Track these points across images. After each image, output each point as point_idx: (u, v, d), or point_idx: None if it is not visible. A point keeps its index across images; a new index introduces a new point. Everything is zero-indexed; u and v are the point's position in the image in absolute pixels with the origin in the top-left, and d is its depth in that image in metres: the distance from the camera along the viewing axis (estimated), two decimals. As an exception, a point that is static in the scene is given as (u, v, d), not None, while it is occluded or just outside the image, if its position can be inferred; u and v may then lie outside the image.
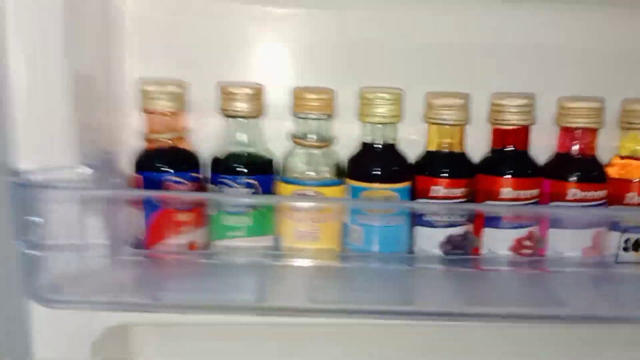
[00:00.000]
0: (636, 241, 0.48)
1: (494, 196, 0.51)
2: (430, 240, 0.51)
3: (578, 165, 0.52)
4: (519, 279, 0.47)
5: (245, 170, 0.50)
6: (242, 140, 0.51)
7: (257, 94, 0.50)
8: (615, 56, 0.55)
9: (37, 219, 0.38)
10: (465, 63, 0.56)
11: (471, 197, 0.52)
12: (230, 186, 0.49)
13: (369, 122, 0.51)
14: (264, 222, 0.50)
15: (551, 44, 0.56)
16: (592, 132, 0.52)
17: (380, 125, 0.51)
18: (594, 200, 0.51)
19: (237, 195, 0.47)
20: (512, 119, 0.51)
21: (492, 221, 0.51)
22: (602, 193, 0.51)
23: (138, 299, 0.40)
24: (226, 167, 0.50)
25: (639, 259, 0.49)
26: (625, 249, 0.49)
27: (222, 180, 0.50)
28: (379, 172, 0.51)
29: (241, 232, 0.49)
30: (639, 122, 0.52)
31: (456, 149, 0.52)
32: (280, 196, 0.50)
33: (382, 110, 0.50)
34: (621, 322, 0.45)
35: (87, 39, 0.49)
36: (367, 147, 0.52)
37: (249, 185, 0.50)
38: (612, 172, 0.53)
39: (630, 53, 0.55)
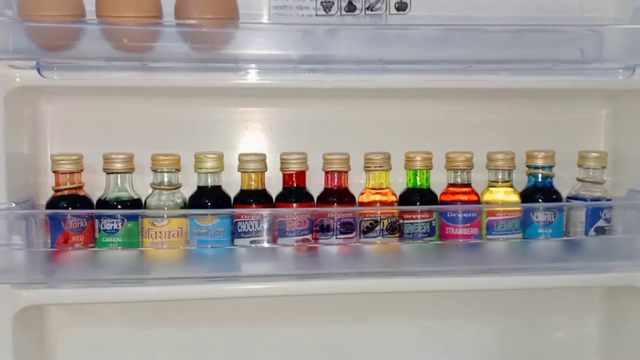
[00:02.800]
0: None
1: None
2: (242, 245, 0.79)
3: (336, 195, 0.82)
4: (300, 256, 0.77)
5: (119, 207, 0.78)
6: (117, 187, 0.79)
7: (128, 157, 0.79)
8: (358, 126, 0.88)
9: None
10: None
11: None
12: (108, 215, 0.77)
13: (201, 172, 0.81)
14: (130, 239, 0.77)
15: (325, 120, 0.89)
16: (344, 173, 0.83)
17: (209, 174, 0.81)
18: (347, 213, 0.80)
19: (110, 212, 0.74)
20: (291, 167, 0.82)
21: (283, 232, 0.80)
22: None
23: (40, 276, 0.67)
24: (105, 205, 0.78)
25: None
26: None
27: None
28: (209, 203, 0.80)
29: (115, 246, 0.76)
30: (373, 166, 0.83)
31: (258, 187, 0.82)
32: (139, 210, 0.77)
33: (208, 164, 0.80)
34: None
35: (21, 129, 0.79)
36: (201, 188, 0.81)
37: (121, 216, 0.77)
38: (362, 198, 0.83)
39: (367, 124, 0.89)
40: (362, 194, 0.84)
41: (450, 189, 0.84)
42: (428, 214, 0.81)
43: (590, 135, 0.91)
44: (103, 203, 0.78)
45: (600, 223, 0.84)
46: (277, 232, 0.79)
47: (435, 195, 0.84)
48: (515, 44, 0.73)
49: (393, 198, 0.83)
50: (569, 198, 0.87)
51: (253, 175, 0.81)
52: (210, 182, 0.81)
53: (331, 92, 0.81)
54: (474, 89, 0.78)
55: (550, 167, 0.85)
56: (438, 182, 0.84)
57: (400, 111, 0.87)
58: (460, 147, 0.85)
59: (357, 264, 0.76)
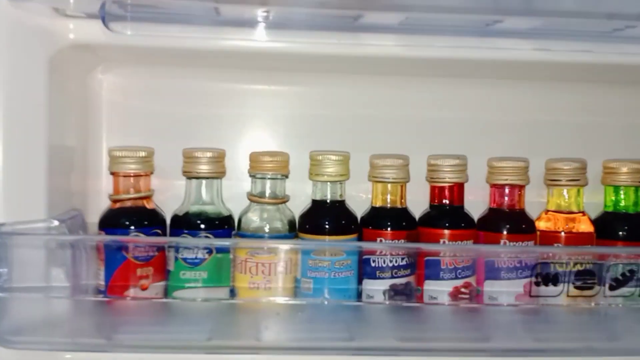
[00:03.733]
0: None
1: (434, 248, 0.56)
2: (375, 290, 0.55)
3: (508, 219, 0.57)
4: (455, 320, 0.51)
5: (203, 226, 0.54)
6: (202, 199, 0.56)
7: (218, 157, 0.56)
8: (537, 125, 0.64)
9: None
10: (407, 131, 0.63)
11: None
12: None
13: (319, 181, 0.57)
14: (219, 274, 0.54)
15: (485, 116, 0.64)
16: (519, 188, 0.58)
17: (328, 183, 0.57)
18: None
19: (192, 241, 0.51)
20: (446, 177, 0.57)
21: (432, 273, 0.55)
22: (531, 244, 0.57)
23: (94, 340, 0.43)
24: (185, 222, 0.54)
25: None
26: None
27: (181, 235, 0.54)
28: (328, 225, 0.56)
29: (197, 284, 0.53)
30: (561, 179, 0.58)
31: (398, 204, 0.57)
32: (233, 239, 0.54)
33: (330, 170, 0.56)
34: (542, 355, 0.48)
35: (68, 117, 0.55)
36: (317, 204, 0.57)
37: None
38: (541, 224, 0.58)
39: (548, 123, 0.63)
40: (540, 219, 0.59)
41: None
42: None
43: None
44: (182, 220, 0.54)
45: None
46: (425, 271, 0.55)
47: (650, 225, 0.58)
48: None
49: (588, 227, 0.58)
50: None
51: (390, 187, 0.57)
52: (330, 195, 0.57)
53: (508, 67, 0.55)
54: None
55: None
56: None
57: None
58: None
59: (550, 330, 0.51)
